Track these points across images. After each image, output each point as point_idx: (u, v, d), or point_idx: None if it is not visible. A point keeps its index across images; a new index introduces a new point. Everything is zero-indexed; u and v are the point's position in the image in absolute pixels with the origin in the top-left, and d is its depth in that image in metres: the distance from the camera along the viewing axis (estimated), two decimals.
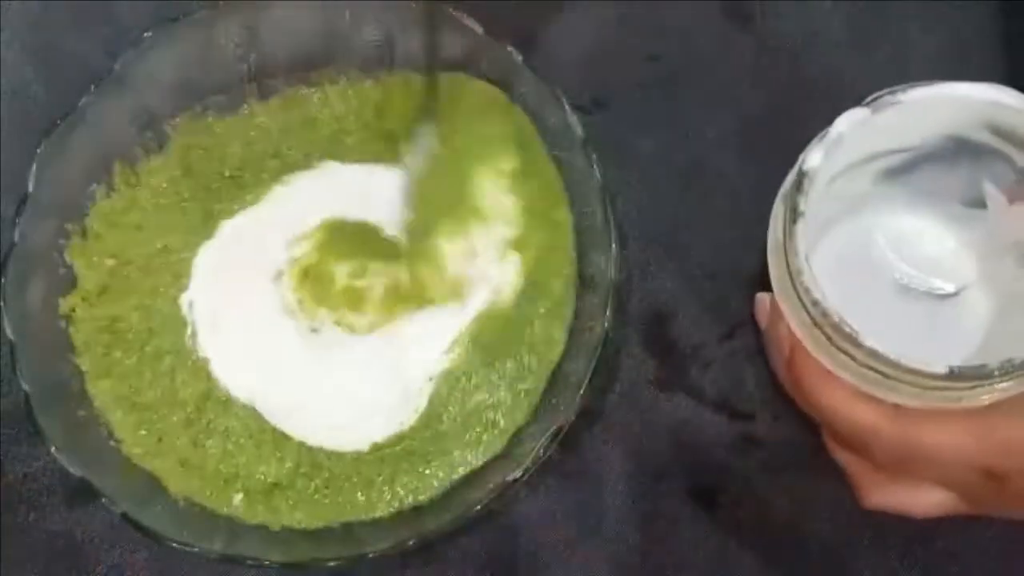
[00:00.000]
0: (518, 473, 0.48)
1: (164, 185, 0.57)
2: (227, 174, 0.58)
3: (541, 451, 0.48)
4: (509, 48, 0.54)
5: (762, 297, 0.48)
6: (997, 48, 0.64)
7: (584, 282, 0.55)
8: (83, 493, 0.54)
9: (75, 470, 0.48)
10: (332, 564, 0.47)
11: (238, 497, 0.52)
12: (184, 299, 0.55)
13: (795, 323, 0.44)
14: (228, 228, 0.57)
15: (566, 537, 0.55)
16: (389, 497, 0.52)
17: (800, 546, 0.54)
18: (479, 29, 0.54)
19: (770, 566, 0.54)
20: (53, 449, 0.48)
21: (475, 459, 0.53)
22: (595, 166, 0.52)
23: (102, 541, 0.55)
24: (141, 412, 0.53)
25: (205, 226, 0.57)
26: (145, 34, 0.53)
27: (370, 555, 0.47)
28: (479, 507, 0.48)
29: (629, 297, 0.58)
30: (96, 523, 0.55)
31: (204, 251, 0.56)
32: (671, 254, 0.59)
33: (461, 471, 0.53)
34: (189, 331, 0.55)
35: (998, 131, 0.45)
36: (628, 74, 0.63)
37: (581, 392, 0.49)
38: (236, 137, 0.58)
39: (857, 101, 0.49)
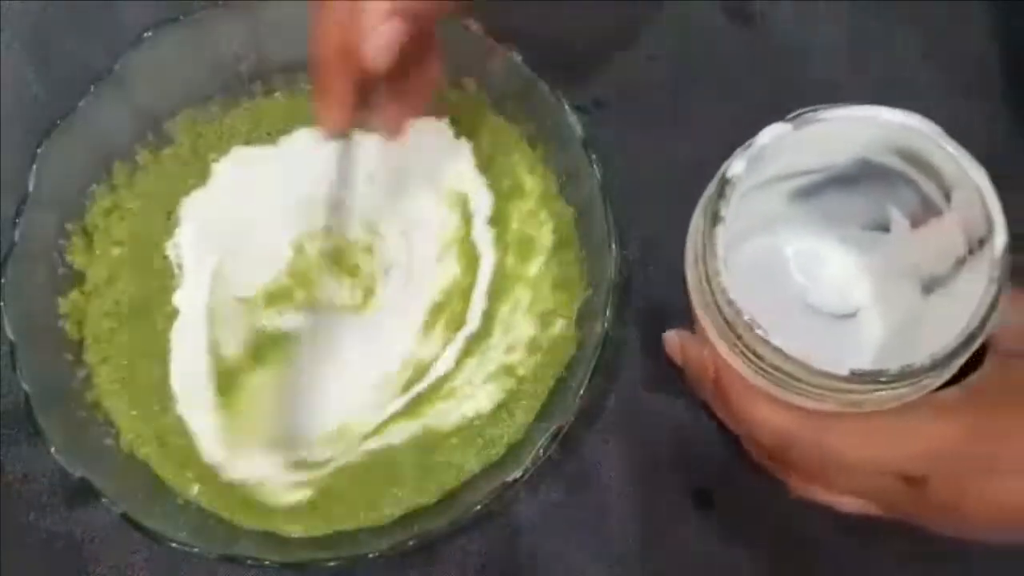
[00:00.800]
0: (518, 473, 0.48)
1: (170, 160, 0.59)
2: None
3: (541, 451, 0.48)
4: (510, 49, 0.54)
5: (670, 335, 0.50)
6: (995, 48, 0.64)
7: (585, 283, 0.55)
8: (83, 493, 0.54)
9: (75, 471, 0.48)
10: (332, 564, 0.47)
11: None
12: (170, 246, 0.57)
13: (709, 327, 0.47)
14: (219, 169, 0.59)
15: (566, 537, 0.55)
16: (390, 505, 0.53)
17: (799, 546, 0.54)
18: (479, 30, 0.54)
19: (769, 566, 0.54)
20: (53, 450, 0.48)
21: (477, 461, 0.53)
22: (595, 166, 0.52)
23: (102, 541, 0.55)
24: (132, 390, 0.54)
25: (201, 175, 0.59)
26: (145, 34, 0.53)
27: (370, 556, 0.47)
28: (479, 508, 0.48)
29: (629, 297, 0.58)
30: (96, 523, 0.55)
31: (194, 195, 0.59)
32: (671, 254, 0.59)
33: (462, 473, 0.53)
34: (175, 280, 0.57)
35: (907, 156, 0.48)
36: (628, 74, 0.64)
37: (581, 393, 0.49)
38: (242, 119, 0.60)
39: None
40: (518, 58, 0.54)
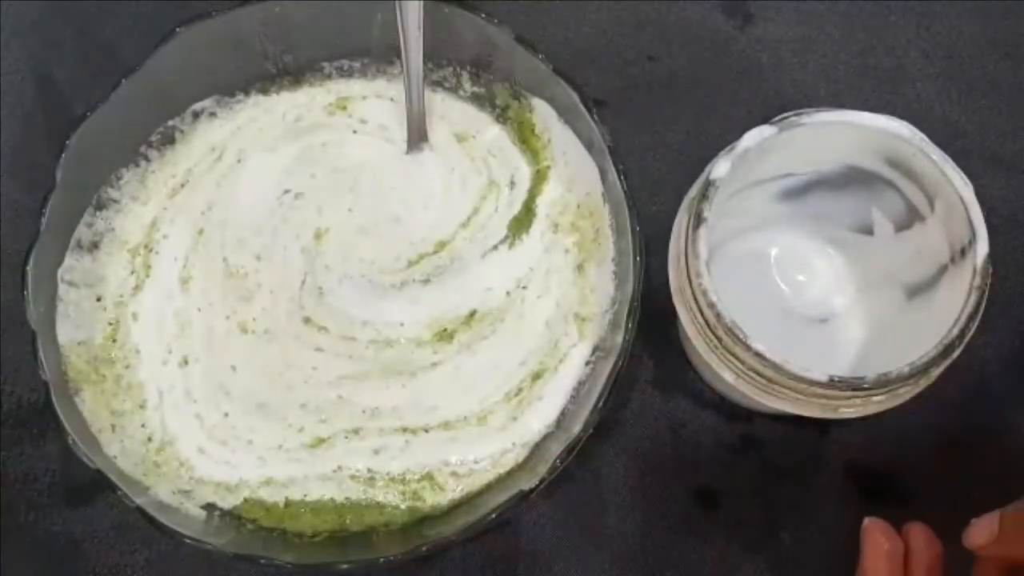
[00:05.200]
0: (533, 483, 0.49)
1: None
2: None
3: (558, 462, 0.49)
4: (540, 56, 0.56)
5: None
6: (995, 49, 0.66)
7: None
8: (83, 493, 0.56)
9: (91, 462, 0.48)
10: (344, 567, 0.48)
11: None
12: None
13: (690, 326, 0.49)
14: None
15: (566, 537, 0.57)
16: (408, 514, 0.54)
17: (800, 546, 0.56)
18: (511, 34, 0.56)
19: (770, 566, 0.56)
20: (71, 441, 0.48)
21: (496, 469, 0.55)
22: (622, 177, 0.53)
23: (102, 541, 0.56)
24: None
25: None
26: (177, 28, 0.54)
27: (381, 560, 0.48)
28: (494, 516, 0.49)
29: None
30: (96, 523, 0.56)
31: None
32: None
33: (481, 483, 0.55)
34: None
35: (892, 162, 0.50)
36: (628, 74, 0.66)
37: (600, 405, 0.50)
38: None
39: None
40: (549, 66, 0.55)
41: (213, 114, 0.60)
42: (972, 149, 0.62)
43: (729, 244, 0.56)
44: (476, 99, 0.61)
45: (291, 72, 0.61)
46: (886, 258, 0.54)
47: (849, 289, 0.57)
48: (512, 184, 0.60)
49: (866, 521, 0.50)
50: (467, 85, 0.61)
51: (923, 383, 0.47)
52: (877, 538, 0.49)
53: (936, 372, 0.46)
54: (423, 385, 0.56)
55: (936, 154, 0.47)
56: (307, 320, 0.57)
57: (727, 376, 0.48)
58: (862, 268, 0.56)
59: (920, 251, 0.51)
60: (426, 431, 0.55)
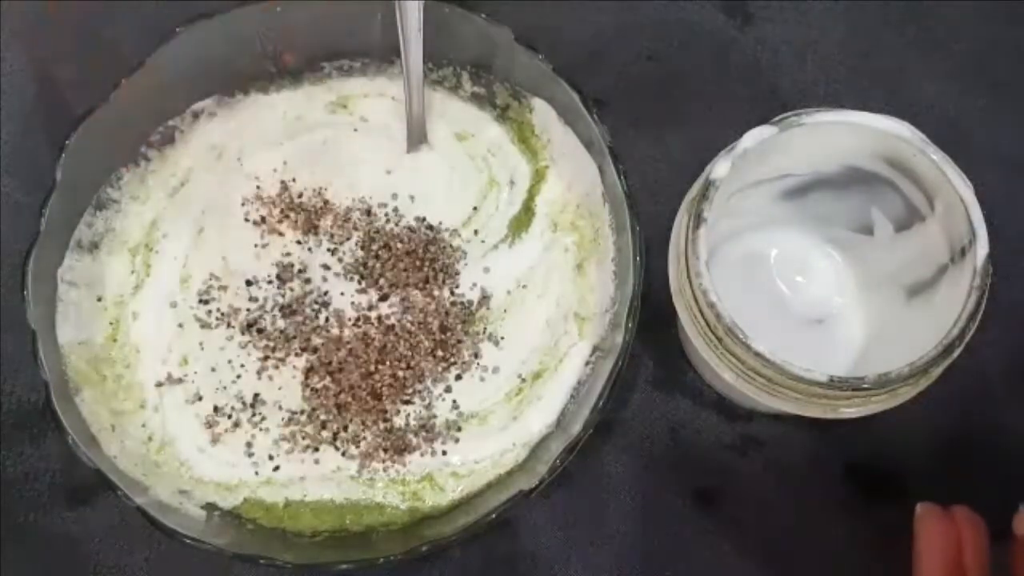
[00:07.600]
0: (533, 483, 0.49)
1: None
2: None
3: (558, 462, 0.49)
4: (540, 56, 0.56)
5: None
6: (995, 49, 0.66)
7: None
8: (83, 493, 0.56)
9: (91, 462, 0.49)
10: (344, 567, 0.48)
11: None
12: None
13: (690, 326, 0.49)
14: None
15: (566, 537, 0.57)
16: (408, 514, 0.54)
17: (800, 546, 0.56)
18: (510, 34, 0.56)
19: (770, 566, 0.56)
20: (70, 440, 0.49)
21: (496, 469, 0.55)
22: (622, 177, 0.53)
23: (102, 541, 0.56)
24: None
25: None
26: (177, 28, 0.55)
27: (381, 560, 0.48)
28: (494, 516, 0.49)
29: None
30: (96, 523, 0.56)
31: None
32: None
33: (481, 483, 0.55)
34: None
35: (892, 162, 0.50)
36: (628, 74, 0.66)
37: (601, 405, 0.50)
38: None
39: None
40: (549, 66, 0.56)
41: (213, 114, 0.60)
42: (972, 149, 0.62)
43: (729, 244, 0.57)
44: (476, 99, 0.62)
45: (291, 72, 0.61)
46: (886, 258, 0.54)
47: (849, 289, 0.57)
48: (512, 183, 0.60)
49: (919, 508, 0.50)
50: (467, 85, 0.61)
51: (923, 383, 0.47)
52: (931, 523, 0.49)
53: (936, 372, 0.46)
54: None
55: (936, 154, 0.48)
56: None
57: (727, 376, 0.48)
58: (862, 268, 0.56)
59: (920, 251, 0.51)
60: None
